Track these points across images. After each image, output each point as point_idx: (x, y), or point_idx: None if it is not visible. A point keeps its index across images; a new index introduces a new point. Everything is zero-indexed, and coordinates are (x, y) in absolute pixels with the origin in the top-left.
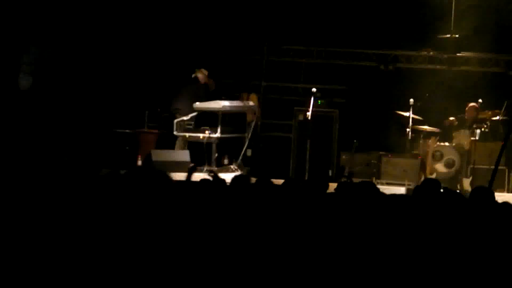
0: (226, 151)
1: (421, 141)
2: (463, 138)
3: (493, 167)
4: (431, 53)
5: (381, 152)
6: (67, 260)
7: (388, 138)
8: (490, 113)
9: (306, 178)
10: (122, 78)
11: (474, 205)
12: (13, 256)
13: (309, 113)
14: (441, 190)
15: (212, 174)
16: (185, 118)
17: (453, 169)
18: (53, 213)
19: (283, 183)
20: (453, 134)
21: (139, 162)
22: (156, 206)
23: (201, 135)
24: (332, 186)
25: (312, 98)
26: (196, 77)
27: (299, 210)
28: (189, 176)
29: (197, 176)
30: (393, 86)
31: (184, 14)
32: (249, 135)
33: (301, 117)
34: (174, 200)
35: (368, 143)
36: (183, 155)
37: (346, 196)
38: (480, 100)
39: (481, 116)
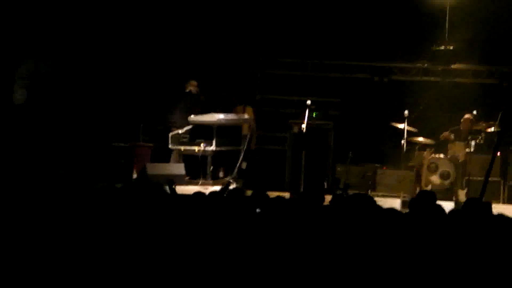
0: (221, 164)
1: (416, 153)
2: (458, 149)
3: (489, 178)
4: (425, 65)
5: (376, 164)
6: (64, 270)
7: (383, 150)
8: (485, 124)
9: (302, 190)
10: (117, 92)
11: (467, 217)
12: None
13: (304, 126)
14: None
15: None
16: (180, 131)
17: (448, 181)
18: (50, 225)
19: (277, 197)
20: (448, 146)
21: (134, 176)
22: (153, 219)
23: (196, 148)
24: (328, 198)
25: (307, 111)
26: (190, 91)
27: (296, 223)
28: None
29: (191, 190)
30: (388, 98)
31: (178, 28)
32: (245, 147)
33: (296, 130)
34: (171, 212)
35: (363, 155)
36: (178, 168)
37: (341, 208)
38: (474, 112)
39: (476, 127)
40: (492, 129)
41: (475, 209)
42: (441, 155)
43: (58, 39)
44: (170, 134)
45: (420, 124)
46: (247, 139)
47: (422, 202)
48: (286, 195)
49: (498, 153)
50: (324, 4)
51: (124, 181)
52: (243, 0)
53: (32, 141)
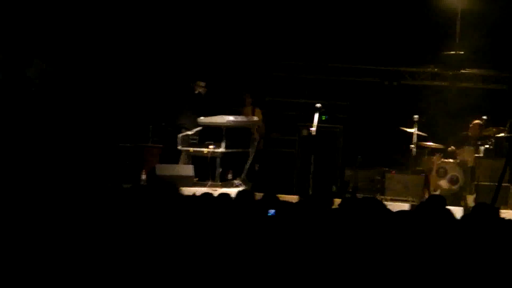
0: (230, 166)
1: (425, 158)
2: (467, 154)
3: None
4: (435, 69)
5: (385, 168)
6: (71, 270)
7: (392, 154)
8: (494, 130)
9: (310, 193)
10: (127, 93)
11: (476, 222)
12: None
13: (313, 129)
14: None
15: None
16: (189, 132)
17: (457, 185)
18: (57, 225)
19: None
20: (457, 151)
21: (143, 177)
22: (162, 219)
23: (205, 150)
24: (336, 201)
25: (316, 114)
26: (199, 92)
27: (304, 226)
28: None
29: (200, 191)
30: (397, 103)
31: (187, 29)
32: (254, 150)
33: (305, 133)
34: (181, 213)
35: (372, 159)
36: (187, 170)
37: (350, 212)
38: (484, 117)
39: (485, 133)
40: (502, 134)
41: (484, 214)
42: (450, 160)
43: (67, 40)
44: (179, 136)
45: (429, 129)
46: (256, 141)
47: (432, 206)
48: (295, 198)
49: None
50: (334, 8)
51: (132, 182)
52: (254, 2)
53: (41, 140)
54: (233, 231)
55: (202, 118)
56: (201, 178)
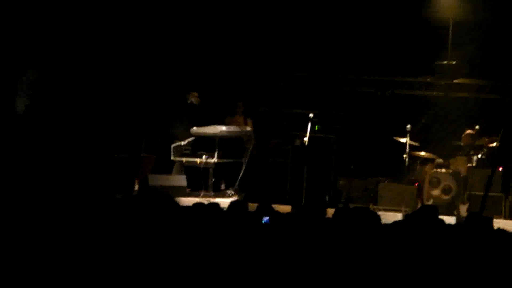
0: (223, 176)
1: (418, 167)
2: (460, 164)
3: (491, 193)
4: (428, 79)
5: (378, 178)
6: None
7: (386, 164)
8: (487, 139)
9: (303, 203)
10: (120, 103)
11: (469, 232)
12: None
13: (306, 139)
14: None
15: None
16: (182, 143)
17: (450, 195)
18: (51, 235)
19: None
20: (450, 161)
21: (136, 187)
22: (156, 230)
23: (198, 160)
24: (329, 211)
25: (309, 124)
26: (191, 102)
27: (299, 236)
28: None
29: (193, 201)
30: (390, 112)
31: (181, 39)
32: (247, 160)
33: (298, 142)
34: (174, 223)
35: (365, 168)
36: (180, 180)
37: (343, 222)
38: (477, 127)
39: (478, 142)
40: (494, 144)
41: (476, 224)
42: (443, 170)
43: (61, 48)
44: (172, 146)
45: (422, 138)
46: (249, 151)
47: (424, 216)
48: (288, 208)
49: (500, 168)
50: (328, 18)
51: (125, 192)
52: (246, 12)
53: (34, 151)
54: (226, 241)
55: (195, 128)
56: (194, 188)
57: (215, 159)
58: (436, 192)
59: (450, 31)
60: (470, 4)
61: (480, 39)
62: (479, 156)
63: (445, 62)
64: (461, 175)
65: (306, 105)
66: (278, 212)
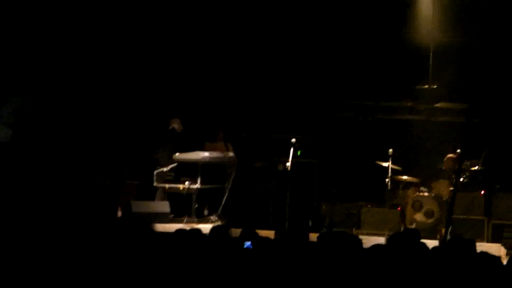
0: (206, 202)
1: (400, 191)
2: (442, 188)
3: (472, 217)
4: (410, 103)
5: (361, 202)
6: None
7: (368, 188)
8: (469, 163)
9: (286, 228)
10: (103, 129)
11: (452, 255)
12: None
13: (288, 164)
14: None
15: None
16: (165, 169)
17: (433, 219)
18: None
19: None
20: (432, 184)
21: (119, 213)
22: (137, 256)
23: (181, 186)
24: (313, 236)
25: (292, 149)
26: (173, 128)
27: (282, 261)
28: None
29: (176, 228)
30: (373, 137)
31: (163, 65)
32: (229, 185)
33: (280, 168)
34: (155, 250)
35: (348, 193)
36: (163, 206)
37: (326, 247)
38: (458, 150)
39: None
40: (476, 167)
41: (459, 247)
42: (426, 194)
43: (44, 76)
44: (155, 172)
45: (404, 163)
46: (232, 177)
47: (406, 240)
48: (271, 233)
49: (482, 192)
50: (308, 44)
51: (108, 219)
52: (228, 38)
53: (16, 179)
54: (207, 267)
55: (177, 154)
56: (177, 214)
57: (198, 185)
58: (418, 216)
59: (431, 56)
60: (450, 29)
61: (461, 63)
62: (461, 179)
63: (426, 86)
64: (444, 199)
65: (288, 130)
66: (261, 237)
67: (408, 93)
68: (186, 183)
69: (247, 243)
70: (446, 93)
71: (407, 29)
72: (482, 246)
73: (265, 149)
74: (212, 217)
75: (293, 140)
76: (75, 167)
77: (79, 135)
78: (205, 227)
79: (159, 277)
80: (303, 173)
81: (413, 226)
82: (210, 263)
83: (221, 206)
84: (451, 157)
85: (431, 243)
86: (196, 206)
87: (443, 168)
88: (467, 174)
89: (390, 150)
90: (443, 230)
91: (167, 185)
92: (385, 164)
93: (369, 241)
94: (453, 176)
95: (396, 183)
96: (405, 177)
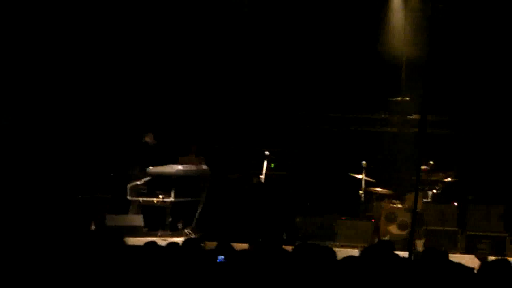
0: (180, 215)
1: (374, 203)
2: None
3: (446, 228)
4: (383, 115)
5: (335, 215)
6: None
7: (342, 200)
8: (442, 174)
9: (260, 241)
10: (76, 143)
11: (425, 266)
12: None
13: (262, 176)
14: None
15: None
16: (138, 182)
17: (407, 231)
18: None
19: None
20: (406, 196)
21: (93, 227)
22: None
23: (155, 200)
24: (287, 249)
25: (265, 161)
26: (146, 142)
27: (256, 274)
28: None
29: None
30: (346, 149)
31: (137, 79)
32: (203, 198)
33: (254, 180)
34: (126, 263)
35: (322, 205)
36: (137, 220)
37: (300, 259)
38: (431, 162)
39: (433, 178)
40: (449, 179)
41: (432, 258)
42: (399, 205)
43: (17, 92)
44: (129, 186)
45: (377, 174)
46: (206, 190)
47: (380, 251)
48: (245, 246)
49: (455, 203)
50: (282, 55)
51: (81, 233)
52: (199, 52)
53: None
54: (178, 280)
55: (151, 167)
56: (151, 228)
57: (171, 198)
58: (392, 227)
59: (403, 67)
60: (422, 41)
61: (433, 75)
62: (434, 191)
63: (399, 98)
64: (417, 210)
65: (262, 142)
66: (236, 251)
67: (382, 105)
68: (160, 196)
69: (220, 258)
70: (418, 105)
71: (381, 42)
72: (455, 257)
73: (239, 161)
74: (186, 231)
75: (267, 152)
76: (51, 181)
77: (54, 150)
78: (180, 241)
79: None
80: (277, 186)
81: (387, 238)
82: (182, 276)
83: (195, 219)
84: (424, 169)
85: (405, 255)
86: (170, 219)
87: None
88: (440, 185)
89: (364, 162)
90: (417, 242)
91: (141, 199)
92: (358, 176)
93: (343, 253)
94: (426, 187)
95: (369, 195)
96: (378, 189)
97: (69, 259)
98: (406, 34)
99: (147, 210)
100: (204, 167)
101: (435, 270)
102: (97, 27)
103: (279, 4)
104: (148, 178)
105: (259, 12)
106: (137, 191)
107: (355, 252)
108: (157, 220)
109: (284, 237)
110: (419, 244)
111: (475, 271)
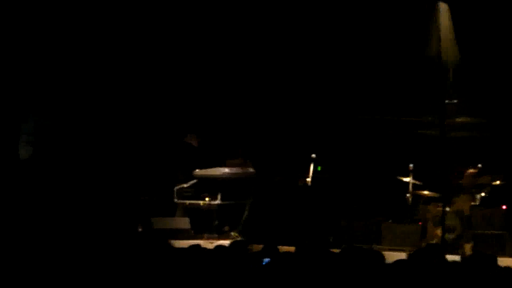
0: (227, 218)
1: (421, 206)
2: (463, 203)
3: (495, 232)
4: (430, 118)
5: (381, 218)
6: None
7: (388, 204)
8: (490, 178)
9: (307, 244)
10: (121, 145)
11: (475, 271)
12: None
13: (308, 179)
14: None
15: None
16: (185, 185)
17: (454, 234)
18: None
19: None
20: (453, 200)
21: (140, 229)
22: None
23: (201, 202)
24: (333, 252)
25: (312, 164)
26: (190, 144)
27: (302, 276)
28: None
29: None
30: (393, 152)
31: (180, 82)
32: (250, 201)
33: (300, 183)
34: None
35: (368, 208)
36: (183, 223)
37: (348, 262)
38: (479, 165)
39: (481, 181)
40: (498, 182)
41: (481, 262)
42: (447, 209)
43: (63, 94)
44: (175, 188)
45: (425, 177)
46: (252, 192)
47: (428, 255)
48: (291, 249)
49: (504, 206)
50: (330, 58)
51: (128, 235)
52: (251, 54)
53: (37, 197)
54: (225, 282)
55: (198, 170)
56: (197, 230)
57: (218, 201)
58: (439, 231)
59: (451, 71)
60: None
61: (482, 78)
62: (483, 194)
63: (447, 101)
64: (465, 214)
65: (308, 145)
66: (281, 253)
67: (430, 108)
68: (207, 199)
69: (266, 260)
70: (466, 108)
71: (429, 46)
72: (504, 262)
73: (285, 164)
74: (232, 233)
75: (313, 155)
76: (96, 183)
77: (98, 151)
78: (226, 243)
79: None
80: (323, 189)
81: (434, 241)
82: (228, 278)
83: (242, 222)
84: (471, 172)
85: (453, 258)
86: (217, 222)
87: (463, 183)
88: (489, 188)
89: (411, 165)
90: (465, 246)
91: (187, 201)
92: (406, 179)
93: (390, 256)
94: (473, 190)
95: (416, 198)
96: (426, 192)
97: (117, 261)
98: (453, 38)
99: (193, 213)
100: (251, 170)
101: (484, 274)
102: (141, 30)
103: (334, 6)
104: (195, 180)
105: (309, 13)
106: (184, 194)
107: (403, 256)
108: (203, 223)
109: (331, 240)
110: (467, 248)
111: None
